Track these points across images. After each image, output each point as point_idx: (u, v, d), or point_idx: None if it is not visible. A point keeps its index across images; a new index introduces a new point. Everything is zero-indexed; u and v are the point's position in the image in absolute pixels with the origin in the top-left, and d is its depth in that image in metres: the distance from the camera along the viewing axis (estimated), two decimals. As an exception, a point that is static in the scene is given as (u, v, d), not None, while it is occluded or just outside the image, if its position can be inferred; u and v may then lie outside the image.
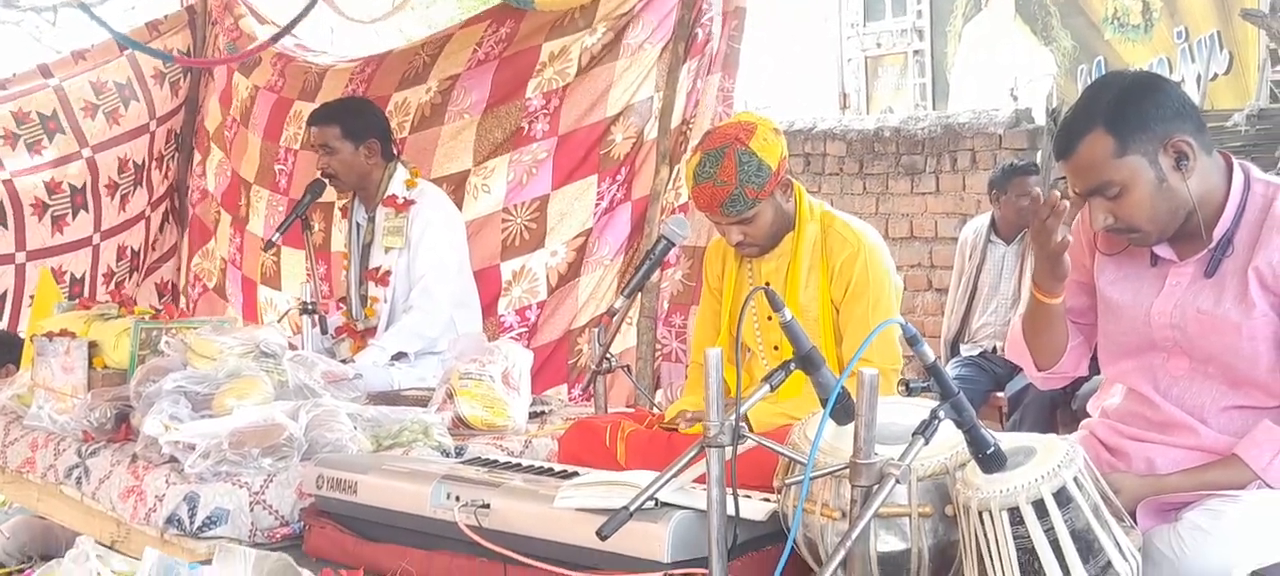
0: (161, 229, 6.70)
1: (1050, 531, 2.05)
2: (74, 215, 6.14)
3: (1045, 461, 2.10)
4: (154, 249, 6.69)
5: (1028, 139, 8.08)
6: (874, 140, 8.72)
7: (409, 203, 4.44)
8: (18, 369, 4.77)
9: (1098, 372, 2.78)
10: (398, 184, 4.48)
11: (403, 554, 2.63)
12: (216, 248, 6.43)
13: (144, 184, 6.41)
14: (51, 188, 6.04)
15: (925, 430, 1.99)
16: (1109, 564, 2.07)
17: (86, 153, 6.11)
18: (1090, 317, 2.68)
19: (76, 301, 4.43)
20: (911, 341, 2.01)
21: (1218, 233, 2.41)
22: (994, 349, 6.41)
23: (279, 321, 4.56)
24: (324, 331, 4.38)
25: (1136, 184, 2.37)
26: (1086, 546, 2.06)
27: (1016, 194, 6.29)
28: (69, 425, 3.60)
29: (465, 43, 5.30)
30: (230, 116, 6.24)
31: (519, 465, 2.90)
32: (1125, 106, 2.35)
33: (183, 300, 6.59)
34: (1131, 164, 2.36)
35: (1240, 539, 2.20)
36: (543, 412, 4.05)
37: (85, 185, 6.14)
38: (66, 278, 6.16)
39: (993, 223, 6.42)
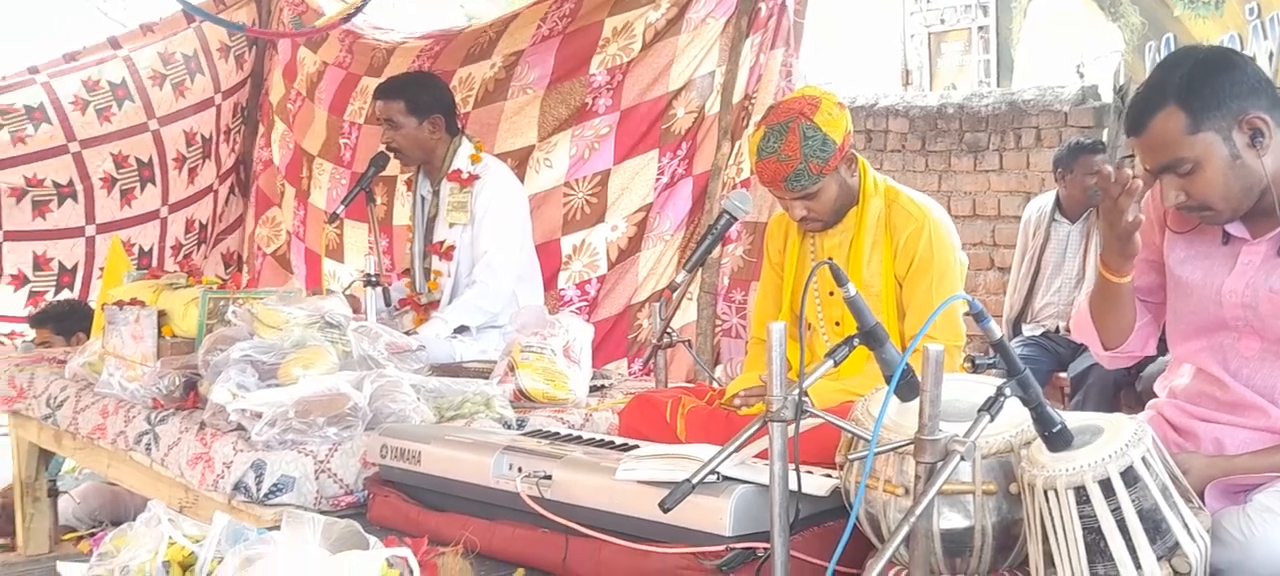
0: (227, 201, 6.79)
1: (1117, 511, 2.03)
2: (142, 189, 6.24)
3: (1113, 440, 2.07)
4: (220, 221, 6.78)
5: (1094, 117, 7.96)
6: (937, 117, 8.63)
7: (474, 177, 4.46)
8: (88, 337, 4.86)
9: (1165, 353, 2.75)
10: (463, 159, 4.50)
11: (465, 523, 2.65)
12: (281, 218, 6.50)
13: (212, 157, 6.50)
14: (119, 161, 6.14)
15: (991, 407, 1.97)
16: (1177, 544, 2.04)
17: (154, 125, 6.20)
18: (1159, 296, 2.64)
19: (146, 271, 4.50)
20: (978, 318, 1.99)
21: None
22: (1057, 329, 6.35)
23: (344, 293, 4.60)
24: (387, 303, 4.42)
25: (1210, 161, 2.33)
26: (1154, 526, 2.04)
27: (1082, 172, 6.21)
28: (139, 392, 3.66)
29: (530, 19, 5.32)
30: (294, 90, 6.30)
31: (580, 437, 2.92)
32: (1199, 82, 2.31)
33: (246, 270, 6.67)
34: (1205, 140, 2.32)
35: (1312, 522, 2.16)
36: (603, 386, 4.07)
37: (151, 159, 6.24)
38: (135, 250, 6.27)
39: (1057, 201, 6.35)
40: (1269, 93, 2.35)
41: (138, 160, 6.21)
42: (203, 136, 6.42)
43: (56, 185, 6.02)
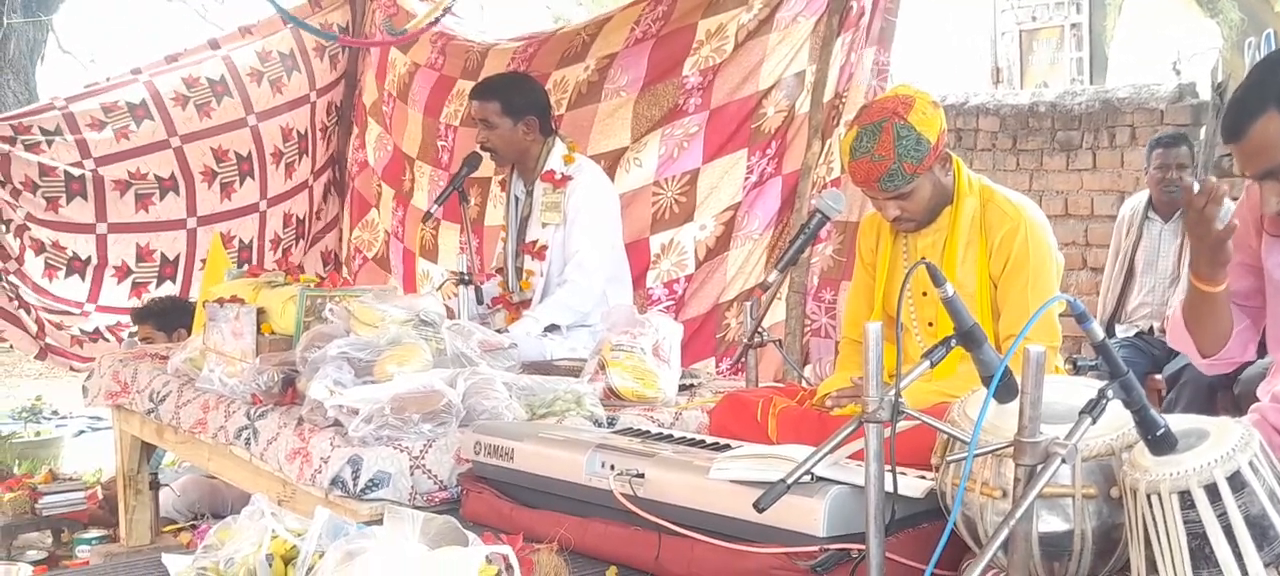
0: (325, 198, 6.91)
1: (1223, 516, 1.98)
2: (241, 182, 6.38)
3: (1219, 444, 2.03)
4: (318, 218, 6.90)
5: (1191, 115, 7.79)
6: (1028, 115, 8.51)
7: (567, 178, 4.49)
8: (189, 333, 4.97)
9: (1265, 355, 2.68)
10: (556, 159, 4.53)
11: (558, 521, 2.67)
12: (379, 220, 6.59)
13: (308, 154, 6.63)
14: (219, 155, 6.28)
15: (1093, 409, 1.94)
16: (1286, 551, 1.99)
17: (252, 120, 6.33)
18: (1258, 300, 2.58)
19: (246, 269, 4.59)
20: (1080, 319, 1.96)
21: None
22: (1151, 329, 6.24)
23: (437, 290, 4.66)
24: (479, 301, 4.46)
25: None
26: (1261, 532, 1.99)
27: (1155, 165, 6.16)
28: (238, 388, 3.73)
29: (624, 22, 5.34)
30: (386, 92, 6.39)
31: (671, 436, 2.93)
32: None
33: (345, 271, 6.78)
34: None
35: None
36: (692, 385, 4.07)
37: (250, 153, 6.38)
38: (235, 243, 6.41)
39: (1151, 199, 6.25)
40: None
41: (236, 154, 6.35)
42: (299, 132, 6.55)
43: (159, 178, 6.17)
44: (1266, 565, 1.99)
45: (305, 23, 6.27)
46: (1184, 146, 6.20)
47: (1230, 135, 2.35)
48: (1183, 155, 6.14)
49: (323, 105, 6.66)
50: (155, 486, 4.94)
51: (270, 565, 2.17)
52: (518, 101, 4.50)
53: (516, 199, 4.66)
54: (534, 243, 4.53)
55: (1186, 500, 2.00)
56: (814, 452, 2.24)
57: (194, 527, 4.48)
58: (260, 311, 3.88)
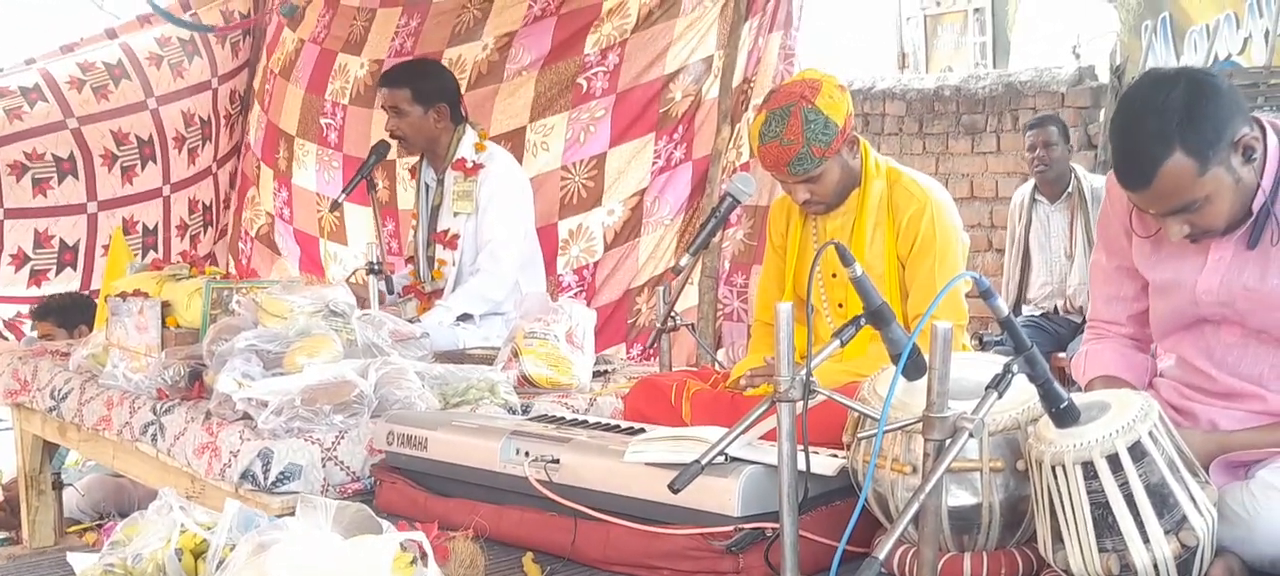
0: (233, 187, 6.79)
1: (1125, 486, 2.04)
2: (143, 166, 6.22)
3: (1120, 416, 2.08)
4: (227, 206, 6.78)
5: (1091, 97, 7.98)
6: (934, 99, 8.64)
7: (478, 166, 4.46)
8: (91, 330, 4.87)
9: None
10: (467, 147, 4.50)
11: (473, 509, 2.66)
12: (260, 199, 6.48)
13: (211, 140, 6.49)
14: (119, 138, 6.12)
15: (999, 384, 1.98)
16: (1184, 518, 2.05)
17: (152, 103, 6.18)
18: (1145, 301, 2.62)
19: (150, 259, 4.50)
20: (985, 295, 1.99)
21: (1256, 204, 2.34)
22: (1054, 309, 6.40)
23: (348, 281, 4.61)
24: (390, 291, 4.43)
25: (1219, 193, 2.28)
26: (1161, 501, 2.05)
27: (1027, 147, 6.50)
28: (144, 383, 3.67)
29: (520, 2, 5.30)
30: (269, 70, 6.28)
31: (586, 422, 2.93)
32: (1198, 122, 2.24)
33: (239, 250, 6.67)
34: (1214, 177, 2.26)
35: (1315, 496, 2.17)
36: (606, 371, 4.08)
37: (151, 137, 6.22)
38: (139, 228, 6.26)
39: (1036, 184, 6.47)
40: (1242, 103, 2.33)
41: (137, 138, 6.19)
42: (201, 118, 6.41)
43: (57, 160, 5.98)
44: (1166, 532, 2.05)
45: (175, 17, 6.14)
46: (1052, 126, 6.43)
47: (1138, 183, 2.30)
48: (1051, 134, 6.37)
49: (225, 92, 6.53)
50: (58, 486, 4.84)
51: (180, 560, 2.14)
52: (428, 88, 4.46)
53: (427, 187, 4.62)
54: (445, 232, 4.50)
55: (1089, 471, 2.05)
56: (727, 433, 2.26)
57: (99, 527, 4.39)
58: (165, 305, 3.81)
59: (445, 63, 5.30)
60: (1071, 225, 6.32)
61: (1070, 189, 6.34)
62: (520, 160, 5.08)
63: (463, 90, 5.24)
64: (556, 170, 5.18)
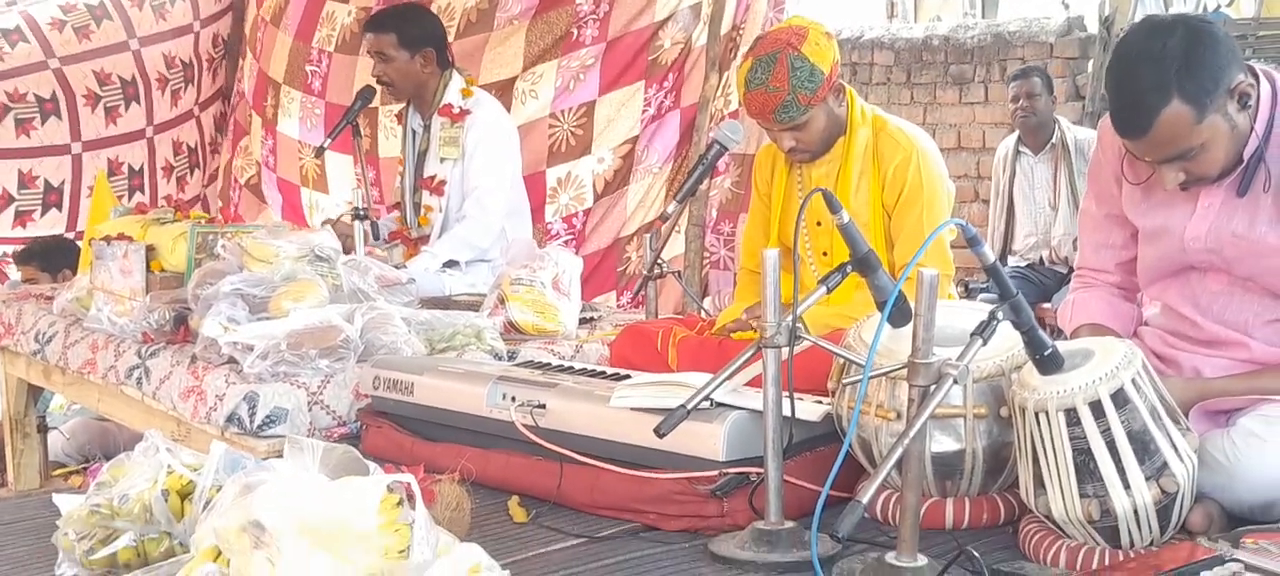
0: (218, 132, 6.74)
1: (1107, 432, 2.05)
2: (126, 107, 6.18)
3: (1103, 363, 2.10)
4: (214, 152, 6.73)
5: (1079, 48, 7.97)
6: (922, 49, 8.62)
7: (465, 112, 4.44)
8: (74, 274, 4.85)
9: None
10: (453, 93, 4.47)
11: (459, 453, 2.67)
12: (252, 147, 6.45)
13: (194, 82, 6.45)
14: (102, 78, 6.08)
15: (984, 330, 1.99)
16: (1165, 464, 2.07)
17: (134, 44, 6.13)
18: (1134, 249, 2.63)
19: (134, 205, 4.48)
20: (971, 242, 2.00)
21: (1248, 151, 2.34)
22: (1040, 260, 6.42)
23: (332, 223, 4.60)
24: (376, 237, 4.41)
25: (1216, 140, 2.28)
26: (1143, 447, 2.07)
27: (1010, 98, 6.54)
28: (128, 327, 3.66)
29: None
30: (260, 17, 6.24)
31: (572, 368, 2.94)
32: (1195, 69, 2.23)
33: (224, 201, 6.65)
34: (1211, 124, 2.26)
35: (1295, 445, 2.19)
36: (592, 318, 4.08)
37: (134, 78, 6.18)
38: (124, 169, 6.22)
39: (1020, 135, 6.48)
40: (1237, 51, 2.33)
41: (120, 78, 6.13)
42: (182, 61, 6.36)
43: (39, 100, 5.94)
44: (1147, 478, 2.07)
45: None
46: (1036, 77, 6.46)
47: (1136, 131, 2.30)
48: (1034, 85, 6.40)
49: (207, 36, 6.48)
50: (43, 429, 4.84)
51: (166, 500, 2.14)
52: (414, 33, 4.43)
53: (414, 133, 4.60)
54: (432, 178, 4.48)
55: (1072, 417, 2.06)
56: (713, 378, 2.27)
57: (85, 470, 4.40)
58: (150, 249, 3.79)
59: (434, 10, 5.27)
60: (1055, 176, 6.35)
61: (1054, 140, 6.37)
62: (509, 109, 5.06)
63: (452, 38, 5.21)
64: (545, 117, 5.16)
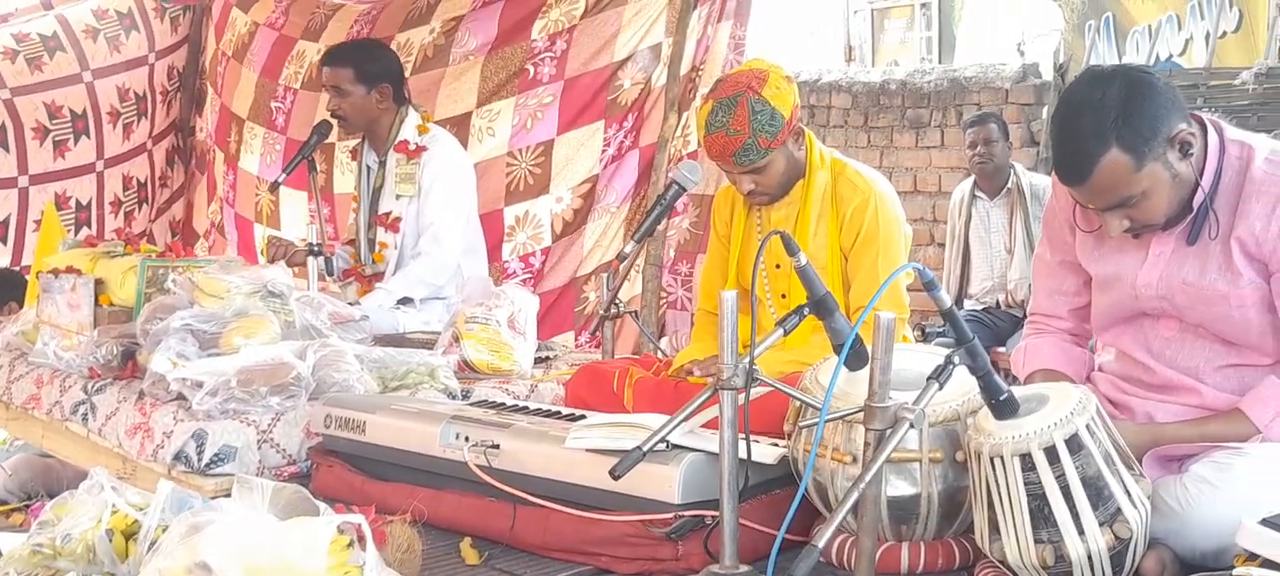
0: (170, 166, 6.67)
1: (1061, 477, 2.06)
2: (76, 141, 6.11)
3: (1058, 408, 2.10)
4: (164, 185, 6.66)
5: (1034, 94, 8.06)
6: (880, 93, 8.69)
7: (421, 149, 4.42)
8: (21, 306, 4.77)
9: None
10: (410, 129, 4.45)
11: (411, 493, 2.63)
12: (216, 184, 6.41)
13: (147, 116, 6.38)
14: (52, 111, 6.01)
15: (940, 375, 1.99)
16: (1119, 510, 2.07)
17: (87, 76, 6.07)
18: (1088, 295, 2.66)
19: (83, 235, 4.42)
20: (928, 286, 2.00)
21: (1197, 200, 2.37)
22: (996, 304, 6.47)
23: (271, 242, 4.56)
24: (330, 273, 4.38)
25: (1156, 189, 2.32)
26: (1097, 493, 2.07)
27: (967, 144, 6.57)
28: (75, 362, 3.60)
29: None
30: (221, 52, 6.20)
31: (526, 408, 2.91)
32: (1134, 118, 2.27)
33: (203, 245, 6.57)
34: (1150, 172, 2.30)
35: (1247, 492, 2.19)
36: (548, 358, 4.06)
37: (85, 111, 6.11)
38: (72, 203, 6.14)
39: (976, 180, 6.54)
40: (1179, 100, 2.37)
41: (71, 111, 6.07)
42: (136, 93, 6.30)
43: None
44: (1101, 524, 2.07)
45: None
46: (992, 122, 6.52)
47: (1076, 178, 2.33)
48: (991, 131, 6.46)
49: (162, 68, 6.42)
50: (-14, 465, 4.74)
51: (111, 540, 2.10)
52: (371, 69, 4.42)
53: (368, 169, 4.57)
54: (387, 214, 4.45)
55: (1027, 462, 2.06)
56: (669, 420, 2.25)
57: (27, 508, 4.31)
58: (98, 282, 3.74)
59: (394, 47, 5.26)
60: (1011, 221, 6.41)
61: (1010, 185, 6.43)
62: (465, 145, 5.04)
63: (408, 74, 5.20)
64: (502, 155, 5.14)
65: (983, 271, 6.52)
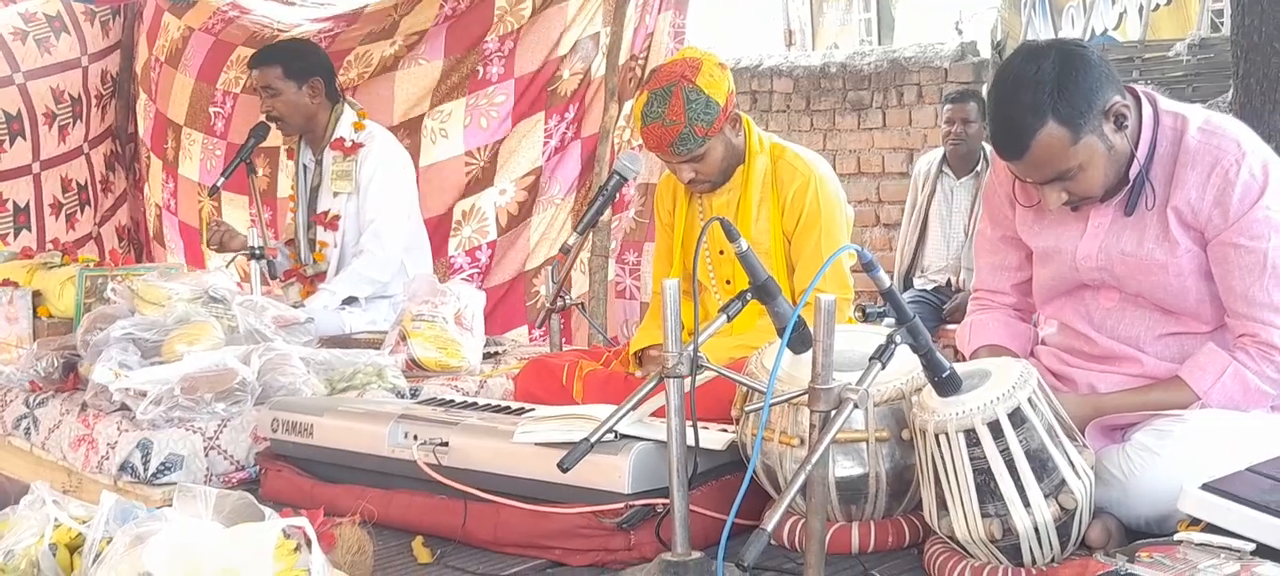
0: (111, 170, 6.58)
1: (1006, 451, 2.08)
2: (11, 142, 6.01)
3: (1000, 383, 2.12)
4: (106, 190, 6.56)
5: (973, 72, 8.13)
6: (820, 76, 8.73)
7: (357, 145, 4.39)
8: (-41, 321, 4.69)
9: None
10: (345, 126, 4.42)
11: (361, 494, 2.62)
12: (151, 193, 6.32)
13: (82, 119, 6.29)
14: None
15: (882, 355, 2.00)
16: (1063, 481, 2.10)
17: (19, 78, 5.97)
18: (1029, 270, 2.69)
19: (19, 249, 4.36)
20: (867, 267, 2.01)
21: (1133, 171, 2.41)
22: (947, 283, 6.46)
23: (227, 266, 4.51)
24: (273, 276, 4.34)
25: (1093, 161, 2.34)
26: (1041, 465, 2.09)
27: (944, 120, 6.41)
28: (15, 376, 3.56)
29: (433, 2, 5.21)
30: (154, 57, 6.12)
31: (475, 404, 2.90)
32: (1069, 91, 2.30)
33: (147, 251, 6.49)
34: (1087, 145, 2.32)
35: (1188, 458, 2.22)
36: (497, 353, 4.05)
37: (20, 112, 6.01)
38: (9, 206, 6.05)
39: (945, 155, 6.46)
40: (1113, 73, 2.40)
41: (5, 113, 5.97)
42: (72, 96, 6.21)
43: None
44: (1047, 496, 2.09)
45: None
46: (972, 102, 6.42)
47: (1013, 152, 2.35)
48: (970, 110, 6.36)
49: (96, 72, 6.33)
50: (-73, 484, 4.66)
51: (55, 555, 2.07)
52: (299, 65, 4.38)
53: (305, 168, 4.53)
54: (325, 213, 4.42)
55: (972, 438, 2.08)
56: (617, 410, 2.26)
57: (-28, 525, 4.23)
58: (36, 294, 3.70)
59: (352, 57, 5.22)
60: (974, 203, 6.32)
61: (979, 168, 6.35)
62: (419, 148, 5.01)
63: (367, 78, 5.16)
64: (459, 156, 5.12)
65: (939, 249, 6.46)
